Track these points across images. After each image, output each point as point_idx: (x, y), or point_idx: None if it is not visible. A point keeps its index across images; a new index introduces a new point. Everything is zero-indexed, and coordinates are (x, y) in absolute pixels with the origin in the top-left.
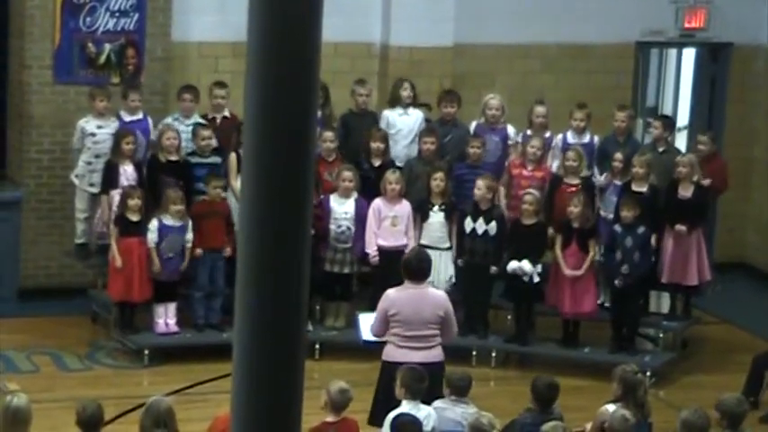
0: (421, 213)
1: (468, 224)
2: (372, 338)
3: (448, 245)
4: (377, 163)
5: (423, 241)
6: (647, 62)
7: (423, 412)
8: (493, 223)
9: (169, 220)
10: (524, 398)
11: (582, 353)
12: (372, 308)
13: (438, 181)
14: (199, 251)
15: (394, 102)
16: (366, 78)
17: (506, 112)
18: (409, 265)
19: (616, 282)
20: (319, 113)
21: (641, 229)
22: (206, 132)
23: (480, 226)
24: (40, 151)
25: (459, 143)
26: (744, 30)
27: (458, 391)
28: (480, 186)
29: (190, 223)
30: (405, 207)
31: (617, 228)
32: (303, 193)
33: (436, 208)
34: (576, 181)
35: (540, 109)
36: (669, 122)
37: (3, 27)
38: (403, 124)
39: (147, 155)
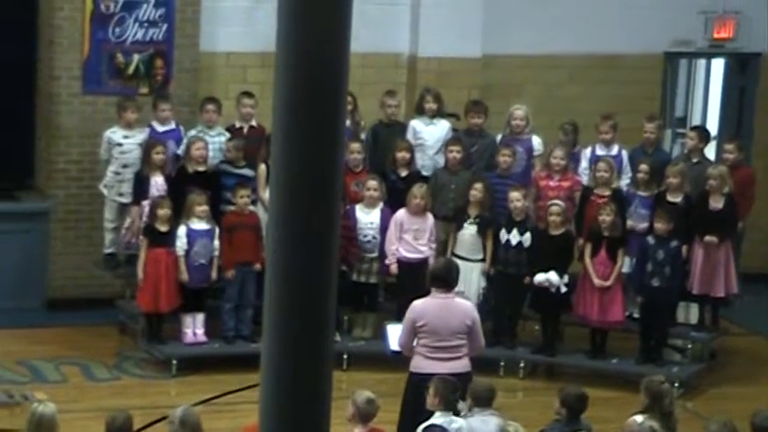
0: (456, 223)
1: (503, 235)
2: (399, 349)
3: (480, 256)
4: (403, 173)
5: (456, 252)
6: (676, 73)
7: (455, 424)
8: (527, 234)
9: (196, 224)
10: (552, 408)
11: (610, 364)
12: (399, 318)
13: (476, 191)
14: (231, 273)
15: (420, 111)
16: (395, 89)
17: (531, 122)
18: (437, 274)
19: (638, 299)
20: (348, 122)
21: (674, 243)
22: (237, 143)
23: (514, 237)
24: (69, 162)
25: (485, 153)
26: None
27: (481, 402)
28: (515, 198)
29: (217, 230)
30: (428, 221)
31: (649, 239)
32: (331, 203)
33: (471, 219)
34: (606, 192)
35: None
36: (704, 133)
37: (32, 37)
38: (429, 135)
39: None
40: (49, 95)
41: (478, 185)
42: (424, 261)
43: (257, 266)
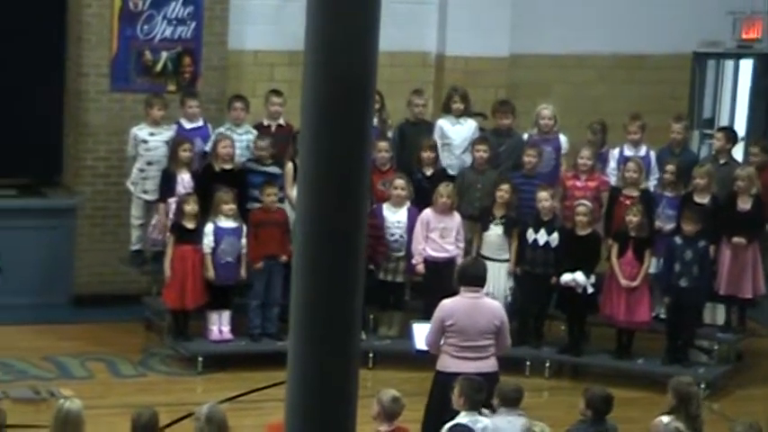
0: (481, 224)
1: (530, 235)
2: (425, 348)
3: (506, 256)
4: (428, 172)
5: (482, 252)
6: (704, 73)
7: (481, 424)
8: (554, 234)
9: (223, 222)
10: (578, 409)
11: (636, 364)
12: (425, 317)
13: (503, 192)
14: (260, 265)
15: (447, 110)
16: (422, 88)
17: (558, 122)
18: (466, 273)
19: (665, 299)
20: (375, 121)
21: (701, 243)
22: (262, 143)
23: (542, 237)
24: (96, 159)
25: (512, 153)
26: None
27: (508, 403)
28: (543, 197)
29: (244, 228)
30: (455, 219)
31: (677, 240)
32: (358, 202)
33: (497, 220)
34: (635, 193)
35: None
36: (732, 134)
37: (60, 35)
38: (456, 134)
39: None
40: (77, 92)
41: (505, 186)
42: (451, 260)
43: (284, 258)
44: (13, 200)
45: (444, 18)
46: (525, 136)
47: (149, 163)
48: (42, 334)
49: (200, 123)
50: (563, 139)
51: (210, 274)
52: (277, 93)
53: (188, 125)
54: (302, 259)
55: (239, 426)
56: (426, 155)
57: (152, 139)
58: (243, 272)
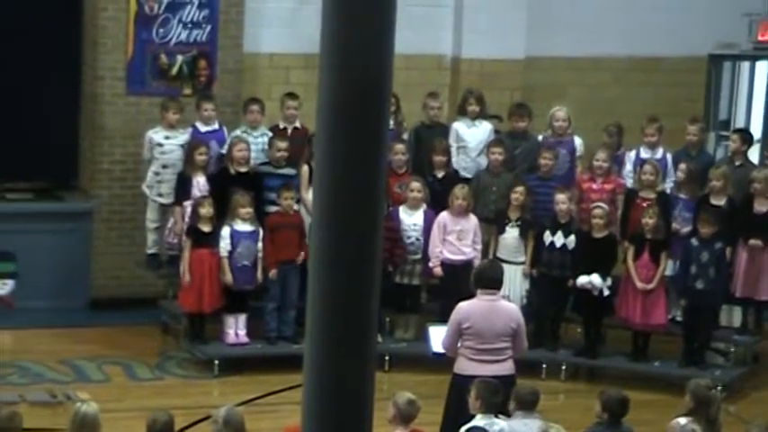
0: (497, 226)
1: (547, 237)
2: (442, 351)
3: (523, 259)
4: (440, 174)
5: (498, 254)
6: (720, 75)
7: (497, 426)
8: (571, 237)
9: (240, 226)
10: (594, 411)
11: (652, 366)
12: (441, 320)
13: (518, 195)
14: (273, 272)
15: (462, 113)
16: (437, 91)
17: (572, 124)
18: (483, 275)
19: (681, 302)
20: (391, 123)
21: (718, 245)
22: (282, 144)
23: (559, 239)
24: (112, 162)
25: (528, 155)
26: None
27: (525, 406)
28: (561, 200)
29: (261, 231)
30: (471, 222)
31: (693, 242)
32: (374, 205)
33: (512, 222)
34: (651, 195)
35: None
36: (747, 136)
37: (76, 38)
38: (471, 137)
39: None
40: (93, 96)
41: (520, 188)
42: (469, 262)
43: (301, 257)
44: (29, 203)
45: (460, 21)
46: (540, 138)
47: (165, 166)
48: (59, 337)
49: (216, 126)
50: (578, 141)
51: (228, 278)
52: (292, 96)
53: (203, 128)
54: (318, 262)
55: (256, 429)
56: (438, 158)
57: (167, 142)
58: (259, 275)
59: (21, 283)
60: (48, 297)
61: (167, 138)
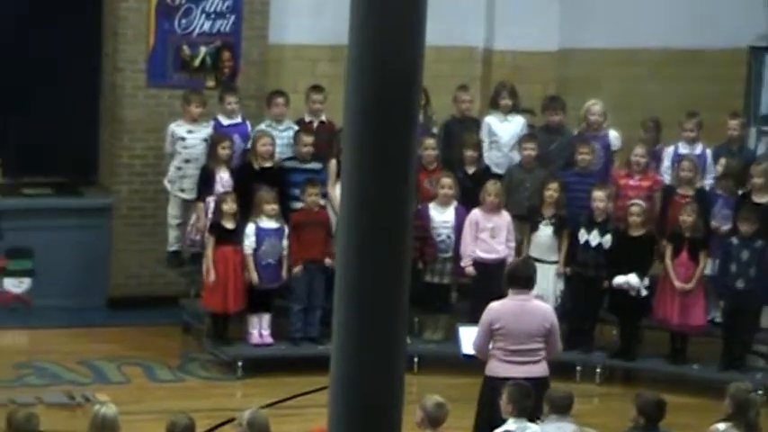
0: (530, 224)
1: (582, 235)
2: (473, 352)
3: (556, 258)
4: (470, 170)
5: (531, 253)
6: (761, 68)
7: (529, 431)
8: (608, 236)
9: (265, 223)
10: (629, 415)
11: (690, 369)
12: (471, 320)
13: (552, 191)
14: (298, 269)
15: (495, 107)
16: (468, 83)
17: (608, 118)
18: (515, 274)
19: (721, 302)
20: (421, 117)
21: (759, 244)
22: (308, 138)
23: (594, 238)
24: (133, 156)
25: (563, 150)
26: None
27: (559, 410)
28: (598, 197)
29: (286, 228)
30: (504, 218)
31: (733, 240)
32: (404, 202)
33: (546, 220)
34: (690, 192)
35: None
36: None
37: (96, 29)
38: (504, 131)
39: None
40: (113, 88)
41: (553, 185)
42: (502, 261)
43: (327, 261)
44: (47, 199)
45: (492, 12)
46: (575, 133)
47: (187, 161)
48: (77, 337)
49: (239, 120)
50: (613, 135)
51: (254, 276)
52: (318, 89)
53: (226, 122)
54: (345, 261)
55: None
56: (469, 153)
57: (190, 136)
58: (284, 273)
59: (38, 282)
60: (66, 296)
61: (190, 131)
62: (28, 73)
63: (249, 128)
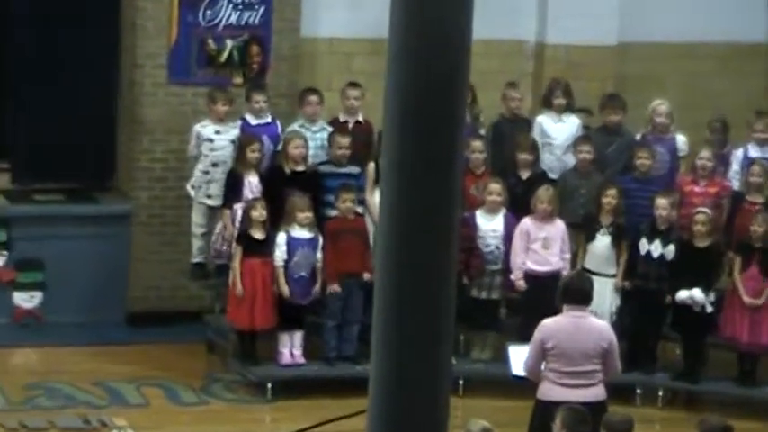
0: (586, 233)
1: (643, 246)
2: (524, 374)
3: (614, 270)
4: (525, 175)
5: (586, 265)
6: None
7: None
8: (671, 246)
9: (297, 232)
10: None
11: (760, 392)
12: (522, 339)
13: (610, 198)
14: (335, 287)
15: (547, 106)
16: (518, 80)
17: (675, 119)
18: (570, 288)
19: None
20: (467, 117)
21: None
22: (344, 140)
23: (656, 248)
24: (153, 160)
25: (622, 154)
26: None
27: None
28: (661, 205)
29: (320, 238)
30: (558, 227)
31: None
32: (449, 209)
33: (603, 229)
34: (760, 199)
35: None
36: None
37: (113, 21)
38: (558, 132)
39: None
40: (132, 86)
41: (611, 191)
42: (556, 274)
43: (366, 276)
44: (60, 206)
45: (544, 2)
46: (638, 136)
47: (215, 164)
48: (93, 356)
49: (268, 119)
50: (680, 139)
51: (285, 290)
52: (355, 85)
53: (254, 121)
54: (385, 273)
55: None
56: (523, 156)
57: (218, 137)
58: (317, 287)
59: (50, 296)
60: (80, 311)
61: (218, 132)
62: (38, 70)
63: (279, 128)
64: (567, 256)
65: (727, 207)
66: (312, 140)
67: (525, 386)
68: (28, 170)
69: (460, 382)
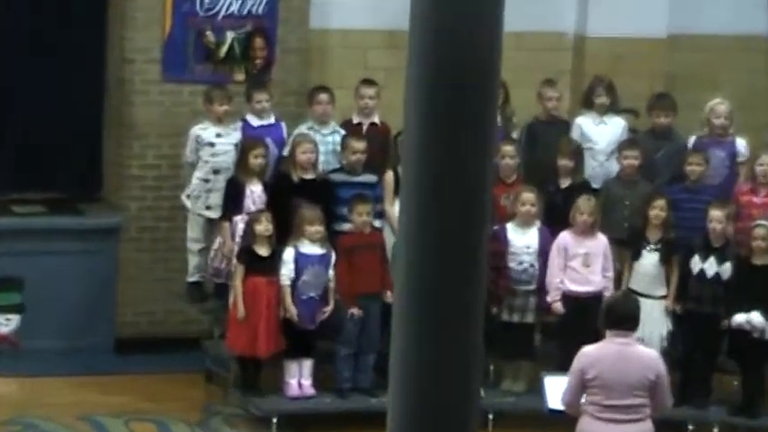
0: (631, 250)
1: (695, 264)
2: (561, 407)
3: (663, 292)
4: (564, 184)
5: (632, 286)
6: None
7: None
8: (727, 264)
9: (307, 248)
10: None
11: None
12: (559, 368)
13: (658, 210)
14: (355, 310)
15: (588, 106)
16: (556, 77)
17: (734, 121)
18: (613, 311)
19: None
20: (498, 118)
21: None
22: (358, 144)
23: (711, 267)
24: (144, 167)
25: (672, 160)
26: None
27: None
28: (716, 218)
29: (333, 255)
30: (600, 242)
31: None
32: (478, 222)
33: (651, 245)
34: None
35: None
36: None
37: (100, 11)
38: (600, 136)
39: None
40: (120, 84)
41: (660, 202)
42: (597, 295)
43: (388, 295)
44: (40, 218)
45: None
46: (691, 139)
47: (216, 171)
48: (77, 387)
49: (272, 120)
50: (740, 142)
51: (292, 312)
52: (370, 83)
53: (256, 122)
54: (405, 295)
55: None
56: (564, 162)
57: (220, 141)
58: (329, 308)
59: (29, 319)
60: (63, 336)
61: (219, 135)
62: (14, 65)
63: (284, 131)
64: (610, 274)
65: None
66: (322, 144)
67: (562, 421)
68: (5, 178)
69: (490, 416)
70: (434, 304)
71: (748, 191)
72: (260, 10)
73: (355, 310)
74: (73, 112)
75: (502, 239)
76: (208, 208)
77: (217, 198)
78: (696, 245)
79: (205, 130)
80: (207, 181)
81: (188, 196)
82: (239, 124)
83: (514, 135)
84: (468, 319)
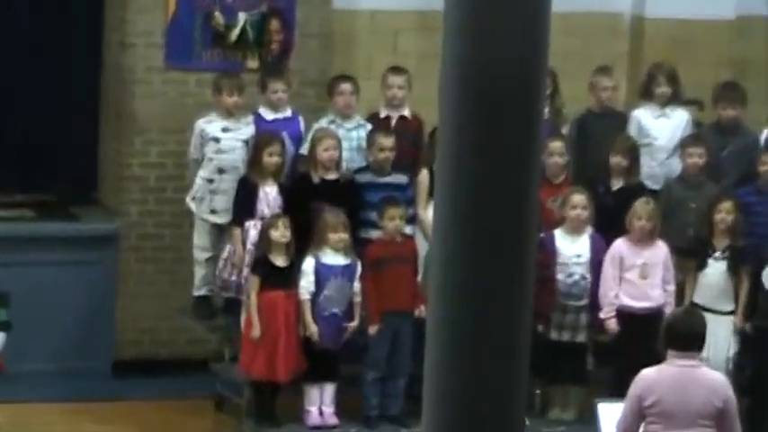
0: (696, 259)
1: (766, 277)
2: None
3: (730, 307)
4: (617, 185)
5: (696, 300)
6: None
7: None
8: None
9: (330, 258)
10: None
11: None
12: (615, 394)
13: (724, 214)
14: (377, 327)
15: (647, 97)
16: (611, 65)
17: None
18: (675, 330)
19: None
20: (546, 111)
21: None
22: (387, 140)
23: None
24: (145, 166)
25: (741, 157)
26: None
27: None
28: None
29: (359, 266)
30: (659, 251)
31: None
32: (523, 228)
33: (718, 254)
34: None
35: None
36: None
37: None
38: (660, 130)
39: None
40: (120, 71)
41: (726, 205)
42: (657, 311)
43: (420, 310)
44: (29, 224)
45: None
46: (764, 134)
47: (221, 170)
48: (73, 415)
49: (288, 113)
50: None
51: (313, 330)
52: (399, 70)
53: (270, 116)
54: (440, 311)
55: None
56: (617, 160)
57: (226, 136)
58: (353, 324)
59: (17, 338)
60: (57, 357)
61: (226, 130)
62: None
63: (302, 125)
64: (672, 287)
65: None
66: (346, 140)
67: None
68: None
69: None
70: (473, 321)
71: None
72: None
73: (375, 330)
74: (67, 105)
75: (549, 248)
76: (212, 212)
77: (222, 201)
78: (766, 254)
79: (210, 124)
80: (211, 181)
81: (192, 198)
82: (251, 118)
83: (564, 130)
84: (512, 337)
